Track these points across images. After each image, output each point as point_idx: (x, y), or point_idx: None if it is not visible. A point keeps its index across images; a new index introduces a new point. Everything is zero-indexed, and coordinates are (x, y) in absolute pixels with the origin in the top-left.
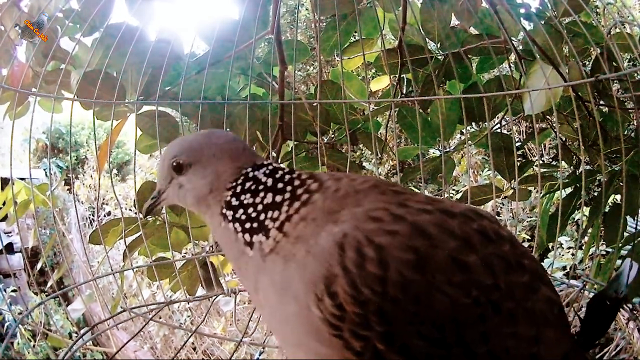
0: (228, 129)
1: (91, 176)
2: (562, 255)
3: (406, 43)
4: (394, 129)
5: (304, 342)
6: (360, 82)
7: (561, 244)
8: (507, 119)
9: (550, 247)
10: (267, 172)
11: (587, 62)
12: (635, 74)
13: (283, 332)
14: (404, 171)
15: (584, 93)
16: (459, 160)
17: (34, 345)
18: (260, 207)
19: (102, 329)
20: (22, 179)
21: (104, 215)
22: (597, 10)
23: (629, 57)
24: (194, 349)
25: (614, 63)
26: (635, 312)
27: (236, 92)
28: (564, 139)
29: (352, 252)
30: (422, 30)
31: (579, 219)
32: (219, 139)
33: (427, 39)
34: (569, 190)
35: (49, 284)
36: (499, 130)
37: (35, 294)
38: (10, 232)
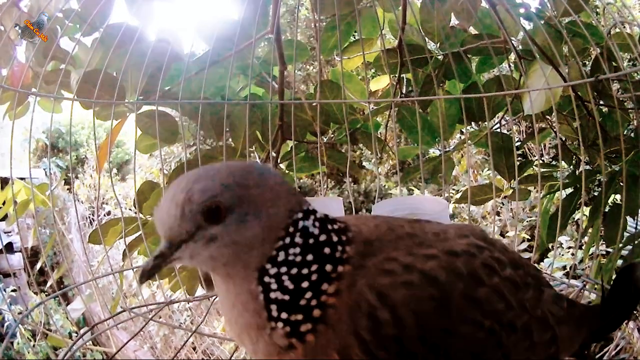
0: (228, 129)
1: (91, 176)
2: (562, 255)
3: (406, 43)
4: (393, 128)
5: None
6: (360, 82)
7: (561, 244)
8: (507, 118)
9: (550, 247)
10: (315, 222)
11: (587, 62)
12: (635, 74)
13: None
14: (403, 171)
15: (583, 93)
16: (459, 160)
17: (33, 345)
18: (306, 271)
19: (102, 328)
20: (22, 178)
21: (104, 215)
22: (597, 10)
23: (629, 57)
24: (194, 348)
25: (614, 63)
26: (635, 312)
27: (236, 92)
28: (563, 139)
29: (365, 320)
30: (421, 30)
31: (579, 219)
32: (265, 170)
33: (426, 38)
34: (569, 190)
35: (48, 284)
36: (498, 130)
37: (35, 293)
38: (10, 232)
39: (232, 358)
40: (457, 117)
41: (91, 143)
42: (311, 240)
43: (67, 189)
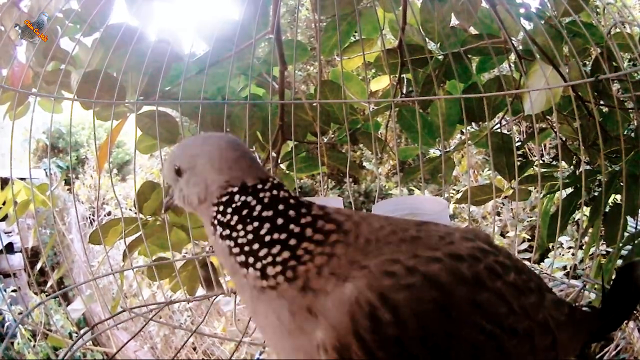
0: (228, 129)
1: (91, 176)
2: (563, 255)
3: (406, 43)
4: (394, 129)
5: None
6: (360, 82)
7: (561, 244)
8: (507, 118)
9: (550, 247)
10: (265, 198)
11: (587, 62)
12: (635, 74)
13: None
14: (404, 171)
15: (584, 93)
16: (459, 160)
17: (34, 345)
18: (253, 237)
19: (102, 329)
20: (22, 179)
21: (104, 215)
22: (597, 10)
23: (629, 57)
24: (194, 348)
25: (614, 63)
26: (635, 312)
27: (236, 92)
28: (564, 139)
29: (365, 320)
30: (422, 30)
31: (579, 219)
32: (212, 145)
33: (427, 39)
34: (569, 190)
35: (49, 284)
36: (499, 130)
37: (36, 294)
38: (10, 232)
39: (233, 358)
40: (457, 117)
41: (91, 143)
42: (245, 212)
43: (68, 189)
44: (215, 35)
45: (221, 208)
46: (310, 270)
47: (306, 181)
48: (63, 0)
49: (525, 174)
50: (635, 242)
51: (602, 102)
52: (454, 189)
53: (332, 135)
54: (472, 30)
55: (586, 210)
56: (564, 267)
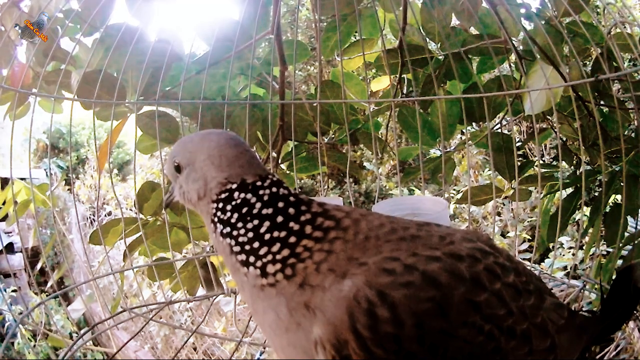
0: (228, 129)
1: (92, 176)
2: (563, 255)
3: (406, 43)
4: (394, 129)
5: None
6: (361, 82)
7: (562, 244)
8: (508, 119)
9: (550, 247)
10: (265, 196)
11: (587, 62)
12: (635, 74)
13: (287, 356)
14: (404, 171)
15: (584, 93)
16: (460, 160)
17: (34, 345)
18: (253, 235)
19: (103, 329)
20: (22, 178)
21: (105, 215)
22: (597, 10)
23: (629, 57)
24: (195, 349)
25: (614, 63)
26: (635, 311)
27: (236, 92)
28: (564, 139)
29: (363, 317)
30: (422, 30)
31: (579, 219)
32: (211, 142)
33: (427, 39)
34: (569, 190)
35: (49, 284)
36: (499, 130)
37: (36, 294)
38: (10, 232)
39: (233, 358)
40: (457, 118)
41: (91, 143)
42: (245, 210)
43: (68, 189)
44: (215, 35)
45: (220, 205)
46: (308, 267)
47: (306, 181)
48: (63, 0)
49: (526, 174)
50: (636, 242)
51: (602, 102)
52: (454, 189)
53: (333, 135)
54: (473, 31)
55: (586, 210)
56: (564, 267)
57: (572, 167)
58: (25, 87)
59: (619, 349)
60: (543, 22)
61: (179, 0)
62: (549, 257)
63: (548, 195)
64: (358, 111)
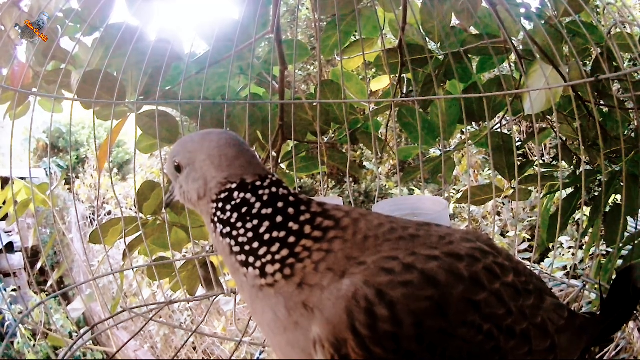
0: (228, 129)
1: (91, 175)
2: (563, 255)
3: (406, 43)
4: (394, 128)
5: None
6: (361, 81)
7: (561, 244)
8: (507, 118)
9: (550, 247)
10: (264, 196)
11: (587, 62)
12: (635, 74)
13: (286, 356)
14: (404, 171)
15: (584, 93)
16: (460, 160)
17: (34, 345)
18: (252, 235)
19: (102, 328)
20: (22, 178)
21: (105, 215)
22: (597, 10)
23: (629, 57)
24: (195, 348)
25: (614, 63)
26: (635, 311)
27: (236, 92)
28: (564, 139)
29: (362, 316)
30: (422, 30)
31: (579, 219)
32: (211, 141)
33: (427, 38)
34: (569, 190)
35: (49, 284)
36: (499, 130)
37: (36, 293)
38: (10, 232)
39: (233, 358)
40: (457, 117)
41: (91, 143)
42: (244, 210)
43: (68, 189)
44: (215, 35)
45: (220, 205)
46: (307, 266)
47: (306, 181)
48: (63, 0)
49: (526, 174)
50: (636, 242)
51: (602, 102)
52: (454, 189)
53: (332, 135)
54: (472, 30)
55: (586, 210)
56: (564, 267)
57: (572, 167)
58: (25, 86)
59: (618, 349)
60: (543, 22)
61: (179, 0)
62: (548, 257)
63: (548, 195)
64: (358, 111)
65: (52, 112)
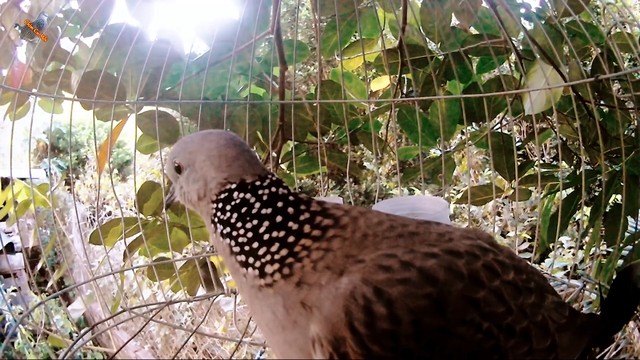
0: (228, 129)
1: (92, 176)
2: (563, 255)
3: (406, 43)
4: (394, 129)
5: None
6: (361, 82)
7: (562, 244)
8: (508, 118)
9: (551, 246)
10: (264, 196)
11: (587, 62)
12: (635, 74)
13: (284, 355)
14: (404, 171)
15: (584, 93)
16: (460, 160)
17: (34, 345)
18: (252, 235)
19: (103, 328)
20: (22, 179)
21: (105, 215)
22: (597, 10)
23: (629, 57)
24: (195, 348)
25: (614, 63)
26: (635, 311)
27: (236, 92)
28: (564, 139)
29: (360, 313)
30: (422, 30)
31: (579, 219)
32: (211, 142)
33: (427, 39)
34: (569, 190)
35: (49, 284)
36: (499, 130)
37: (36, 293)
38: (10, 232)
39: (233, 358)
40: (457, 117)
41: (91, 143)
42: (244, 210)
43: (68, 190)
44: (215, 35)
45: (220, 205)
46: (306, 266)
47: (306, 181)
48: (63, 0)
49: (526, 174)
50: (636, 242)
51: (602, 102)
52: (454, 189)
53: (332, 135)
54: (472, 30)
55: (586, 210)
56: (565, 267)
57: (572, 167)
58: (25, 87)
59: (619, 349)
60: (543, 22)
61: (179, 0)
62: (549, 257)
63: (548, 195)
64: (358, 111)
65: (52, 112)
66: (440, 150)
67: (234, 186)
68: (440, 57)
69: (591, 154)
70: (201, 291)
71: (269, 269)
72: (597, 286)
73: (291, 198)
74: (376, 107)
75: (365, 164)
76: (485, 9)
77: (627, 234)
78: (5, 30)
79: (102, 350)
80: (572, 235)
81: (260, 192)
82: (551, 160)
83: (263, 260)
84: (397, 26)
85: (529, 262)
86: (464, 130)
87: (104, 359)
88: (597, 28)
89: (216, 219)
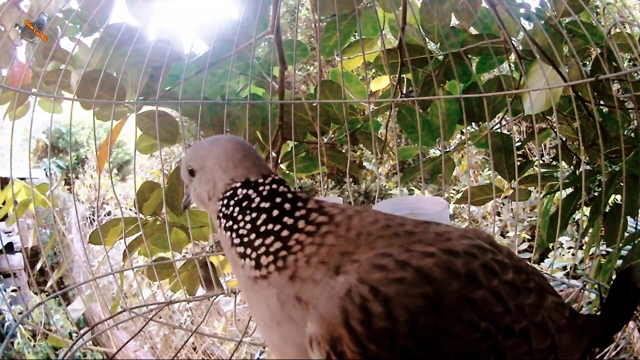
0: (228, 129)
1: (91, 176)
2: (563, 255)
3: (406, 43)
4: (394, 129)
5: None
6: (360, 82)
7: (561, 244)
8: (507, 119)
9: (550, 247)
10: (264, 191)
11: (587, 62)
12: (635, 74)
13: (279, 350)
14: (404, 171)
15: (584, 93)
16: (459, 160)
17: (34, 345)
18: (250, 227)
19: (102, 328)
20: (22, 178)
21: (104, 215)
22: (597, 10)
23: (629, 57)
24: (194, 348)
25: (614, 63)
26: (635, 312)
27: (236, 92)
28: (564, 139)
29: (357, 312)
30: (422, 30)
31: (579, 219)
32: (219, 147)
33: (427, 39)
34: (569, 190)
35: (49, 284)
36: (499, 130)
37: (35, 293)
38: (10, 232)
39: (233, 358)
40: (457, 117)
41: (91, 143)
42: (245, 203)
43: (68, 189)
44: (215, 35)
45: (225, 202)
46: (299, 259)
47: (306, 181)
48: (63, 0)
49: (525, 174)
50: (635, 242)
51: (602, 102)
52: (454, 189)
53: (332, 135)
54: (472, 30)
55: (586, 210)
56: (564, 267)
57: (572, 167)
58: (25, 87)
59: (619, 349)
60: (543, 22)
61: (179, 0)
62: (548, 257)
63: (548, 195)
64: (357, 111)
65: (52, 112)
66: (440, 150)
67: (238, 184)
68: (440, 57)
69: (591, 154)
70: (201, 291)
71: (264, 260)
72: (596, 286)
73: (289, 195)
74: (376, 107)
75: (364, 164)
76: (485, 9)
77: (626, 234)
78: (5, 30)
79: (102, 350)
80: (572, 235)
81: (261, 188)
82: (551, 160)
83: (259, 251)
84: (396, 26)
85: (528, 262)
86: (464, 130)
87: (103, 359)
88: (597, 28)
89: (221, 214)
